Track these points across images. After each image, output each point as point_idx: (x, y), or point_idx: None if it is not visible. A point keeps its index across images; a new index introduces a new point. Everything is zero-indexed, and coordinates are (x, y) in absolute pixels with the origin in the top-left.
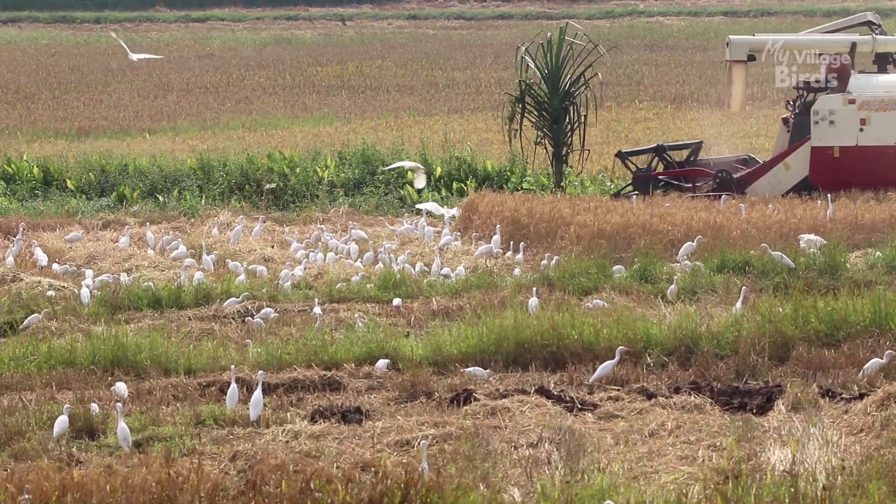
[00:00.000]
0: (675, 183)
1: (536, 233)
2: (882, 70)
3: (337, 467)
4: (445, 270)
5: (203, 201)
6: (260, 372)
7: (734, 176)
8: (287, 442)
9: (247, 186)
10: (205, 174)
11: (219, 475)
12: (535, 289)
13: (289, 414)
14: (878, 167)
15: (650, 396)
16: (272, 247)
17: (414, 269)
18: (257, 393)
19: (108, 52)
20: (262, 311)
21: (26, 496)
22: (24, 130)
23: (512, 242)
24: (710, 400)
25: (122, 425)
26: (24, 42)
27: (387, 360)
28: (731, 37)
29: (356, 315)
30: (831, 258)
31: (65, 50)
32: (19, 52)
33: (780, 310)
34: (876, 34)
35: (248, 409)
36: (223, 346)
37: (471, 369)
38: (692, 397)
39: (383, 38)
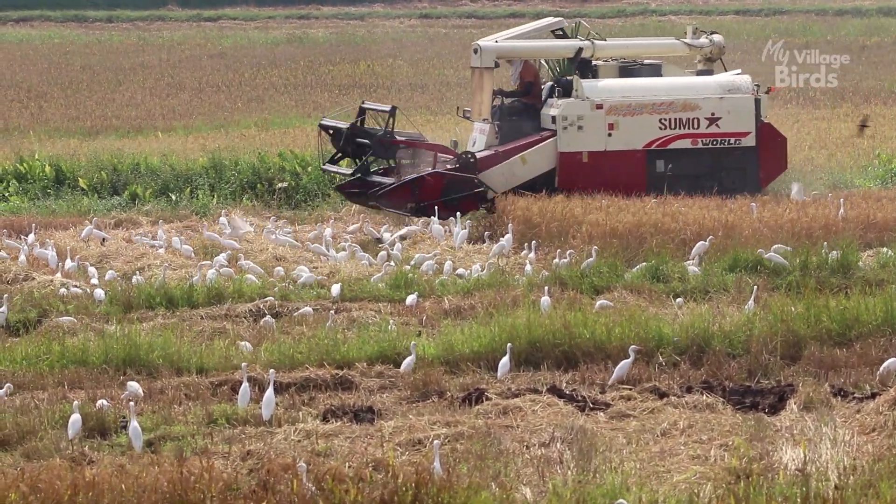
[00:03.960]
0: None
1: (548, 232)
2: (584, 76)
3: (349, 466)
4: (460, 270)
5: (215, 200)
6: (271, 371)
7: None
8: (299, 441)
9: (259, 185)
10: (217, 173)
11: (230, 474)
12: (546, 288)
13: (301, 413)
14: (625, 171)
15: (662, 396)
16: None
17: (423, 267)
18: (269, 392)
19: (119, 50)
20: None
21: None
22: (37, 129)
23: (532, 243)
24: (722, 399)
25: (135, 424)
26: (36, 41)
27: (413, 357)
28: (480, 43)
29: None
30: (843, 257)
31: (77, 49)
32: (31, 51)
33: (793, 309)
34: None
35: (260, 408)
36: (235, 345)
37: (500, 370)
38: (704, 396)
39: (395, 36)
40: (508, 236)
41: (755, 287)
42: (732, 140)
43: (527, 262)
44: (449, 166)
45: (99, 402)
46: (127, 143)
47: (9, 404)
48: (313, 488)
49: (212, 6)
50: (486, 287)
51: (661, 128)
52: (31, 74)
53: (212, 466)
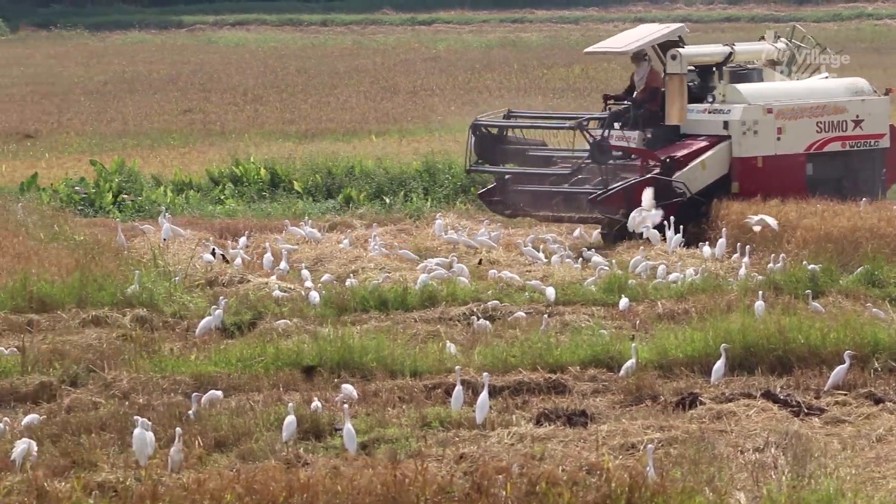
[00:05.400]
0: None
1: (762, 236)
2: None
3: (562, 470)
4: (674, 275)
5: (429, 204)
6: (485, 374)
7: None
8: (512, 444)
9: (472, 189)
10: (430, 176)
11: (445, 477)
12: (761, 292)
13: (514, 416)
14: (789, 175)
15: (878, 401)
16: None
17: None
18: (483, 395)
19: (334, 54)
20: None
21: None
22: (252, 132)
23: (739, 245)
24: None
25: (349, 427)
26: (252, 44)
27: (633, 361)
28: (679, 49)
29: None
30: None
31: (292, 52)
32: (248, 55)
33: None
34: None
35: (473, 411)
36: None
37: (714, 374)
38: None
39: None
40: (722, 241)
41: None
42: (872, 142)
43: (741, 266)
44: (646, 174)
45: (313, 405)
46: (341, 147)
47: (224, 406)
48: None
49: (426, 10)
50: (700, 291)
51: (817, 131)
52: (247, 78)
53: (426, 469)
